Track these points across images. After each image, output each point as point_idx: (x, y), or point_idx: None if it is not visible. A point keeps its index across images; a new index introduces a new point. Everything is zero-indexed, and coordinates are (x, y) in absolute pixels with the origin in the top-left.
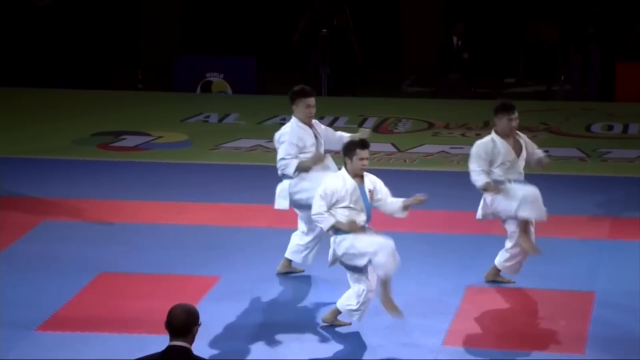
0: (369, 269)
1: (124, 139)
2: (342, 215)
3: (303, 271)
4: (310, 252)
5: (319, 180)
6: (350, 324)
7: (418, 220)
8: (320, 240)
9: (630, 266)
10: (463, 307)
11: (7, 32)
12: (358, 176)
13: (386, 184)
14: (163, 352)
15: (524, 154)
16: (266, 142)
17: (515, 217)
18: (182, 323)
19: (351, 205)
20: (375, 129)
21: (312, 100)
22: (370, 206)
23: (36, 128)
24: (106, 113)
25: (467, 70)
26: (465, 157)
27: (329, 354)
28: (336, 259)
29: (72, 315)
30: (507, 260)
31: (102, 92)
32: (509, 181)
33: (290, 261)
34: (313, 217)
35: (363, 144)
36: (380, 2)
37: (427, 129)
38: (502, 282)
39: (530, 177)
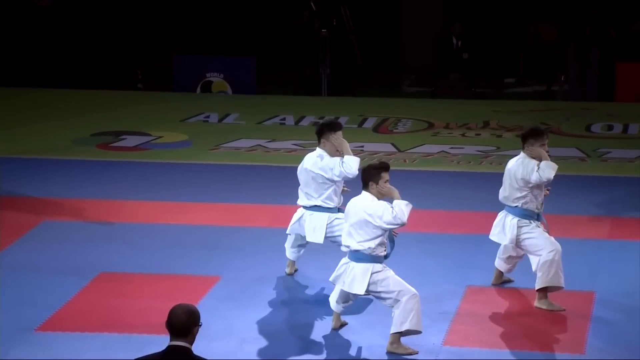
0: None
1: (124, 139)
2: (380, 245)
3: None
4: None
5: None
6: (421, 331)
7: (418, 220)
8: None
9: (630, 266)
10: (463, 307)
11: (7, 32)
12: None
13: None
14: (163, 352)
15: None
16: (266, 142)
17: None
18: (183, 323)
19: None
20: (375, 129)
21: (340, 134)
22: None
23: (36, 128)
24: (106, 113)
25: (467, 70)
26: (465, 157)
27: (329, 354)
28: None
29: (72, 315)
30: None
31: (102, 92)
32: (538, 210)
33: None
34: (394, 220)
35: (386, 166)
36: (380, 2)
37: (427, 129)
38: (502, 282)
39: None
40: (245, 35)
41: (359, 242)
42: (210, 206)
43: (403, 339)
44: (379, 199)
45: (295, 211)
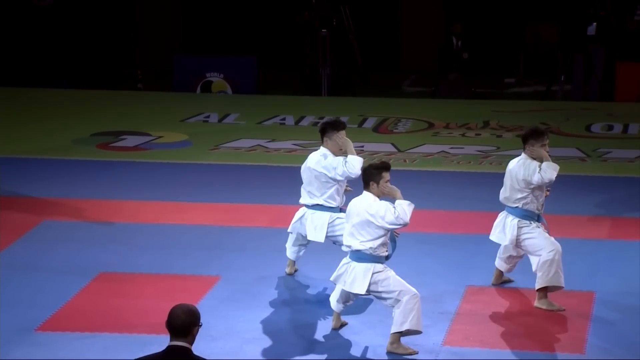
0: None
1: (124, 139)
2: (382, 246)
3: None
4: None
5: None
6: (421, 331)
7: (418, 220)
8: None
9: (630, 266)
10: (463, 307)
11: (7, 32)
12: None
13: None
14: (163, 352)
15: None
16: (266, 142)
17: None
18: (183, 323)
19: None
20: (375, 129)
21: (344, 134)
22: None
23: (36, 128)
24: (106, 113)
25: (467, 70)
26: (465, 157)
27: (329, 354)
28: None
29: (72, 315)
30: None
31: (102, 92)
32: (538, 211)
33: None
34: (396, 220)
35: (388, 166)
36: (380, 2)
37: (427, 129)
38: (502, 282)
39: None
40: (245, 35)
41: (361, 242)
42: (210, 206)
43: (403, 339)
44: (380, 198)
45: (296, 211)
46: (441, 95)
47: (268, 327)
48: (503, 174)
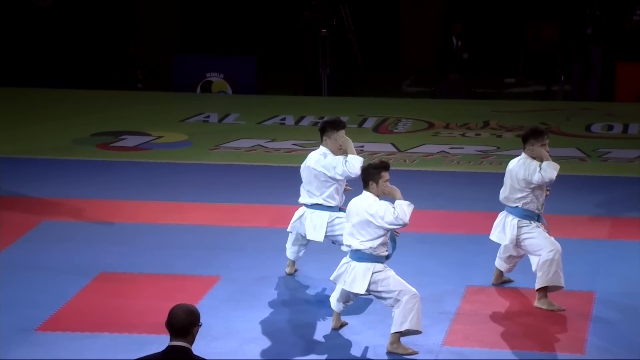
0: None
1: (124, 139)
2: (382, 245)
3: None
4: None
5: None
6: (421, 331)
7: (418, 220)
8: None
9: (630, 266)
10: (463, 307)
11: (7, 32)
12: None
13: None
14: (163, 352)
15: None
16: (266, 142)
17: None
18: (183, 323)
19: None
20: (375, 129)
21: (343, 133)
22: None
23: (36, 128)
24: (106, 113)
25: (467, 70)
26: (466, 157)
27: (329, 354)
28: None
29: (72, 315)
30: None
31: (102, 92)
32: (539, 211)
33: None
34: (395, 220)
35: (387, 166)
36: (380, 2)
37: (427, 129)
38: (502, 282)
39: None
40: (245, 35)
41: (361, 242)
42: (210, 206)
43: (403, 339)
44: (380, 198)
45: (296, 210)
46: (441, 95)
47: (268, 327)
48: (503, 174)
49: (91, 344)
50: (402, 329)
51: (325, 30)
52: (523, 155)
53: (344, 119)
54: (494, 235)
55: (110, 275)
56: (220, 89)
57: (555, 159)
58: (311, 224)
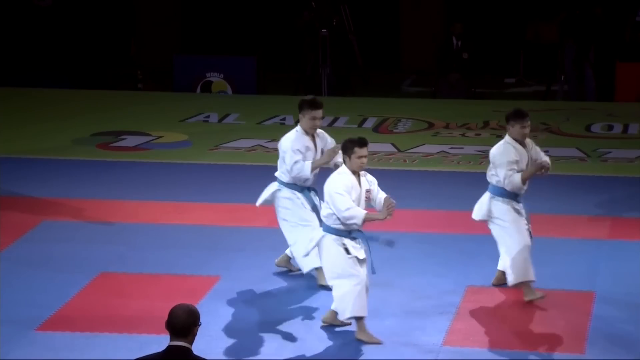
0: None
1: (124, 139)
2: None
3: (299, 270)
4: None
5: (298, 209)
6: (350, 323)
7: (418, 220)
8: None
9: (630, 266)
10: (463, 307)
11: (8, 32)
12: (356, 174)
13: (386, 184)
14: (163, 352)
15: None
16: (266, 142)
17: None
18: (183, 323)
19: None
20: (375, 129)
21: (319, 113)
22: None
23: (36, 128)
24: (106, 113)
25: (467, 70)
26: (466, 157)
27: (329, 354)
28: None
29: (72, 315)
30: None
31: (102, 92)
32: (518, 191)
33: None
34: (344, 213)
35: (362, 142)
36: (380, 2)
37: (427, 129)
38: (503, 282)
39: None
40: (245, 35)
41: (326, 213)
42: (210, 206)
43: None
44: (353, 172)
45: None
46: (441, 95)
47: (268, 327)
48: None
49: (91, 344)
50: (343, 316)
51: (325, 30)
52: (507, 138)
53: (344, 119)
54: (474, 212)
55: (110, 275)
56: (220, 89)
57: (555, 158)
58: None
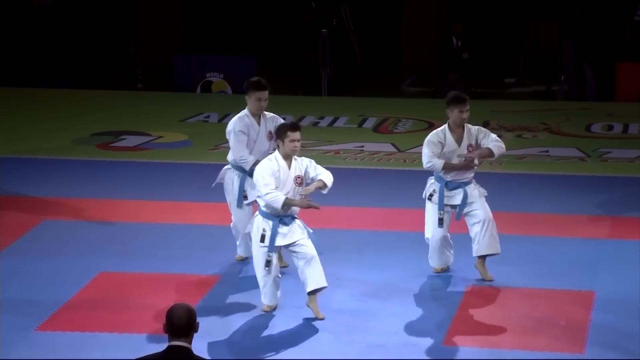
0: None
1: (124, 139)
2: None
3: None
4: None
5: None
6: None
7: (418, 220)
8: None
9: (630, 266)
10: (463, 307)
11: (7, 32)
12: (289, 158)
13: (386, 184)
14: (163, 352)
15: (463, 146)
16: None
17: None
18: (185, 323)
19: (280, 189)
20: (375, 129)
21: (264, 94)
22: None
23: (36, 128)
24: (106, 113)
25: (467, 70)
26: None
27: (329, 354)
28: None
29: (72, 315)
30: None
31: (102, 92)
32: (448, 179)
33: None
34: (265, 197)
35: (294, 126)
36: (380, 2)
37: (427, 129)
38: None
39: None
40: (245, 35)
41: (256, 198)
42: (210, 206)
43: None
44: (284, 158)
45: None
46: (441, 95)
47: (267, 327)
48: (502, 174)
49: (91, 344)
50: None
51: (325, 30)
52: (445, 126)
53: (344, 119)
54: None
55: (110, 275)
56: (220, 88)
57: (555, 158)
58: None
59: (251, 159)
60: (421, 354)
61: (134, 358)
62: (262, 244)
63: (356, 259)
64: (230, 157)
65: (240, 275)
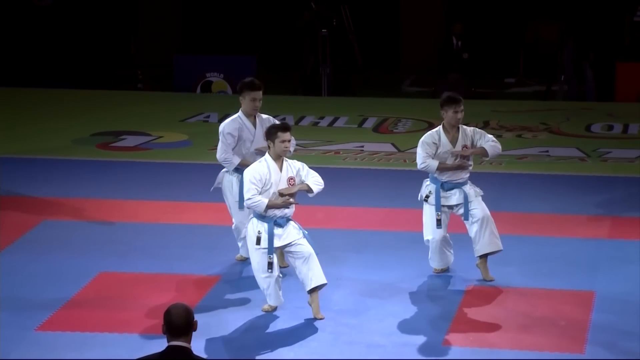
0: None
1: (124, 139)
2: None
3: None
4: None
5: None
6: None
7: (418, 220)
8: None
9: (630, 266)
10: (463, 307)
11: (7, 32)
12: (280, 160)
13: (386, 184)
14: (163, 352)
15: (457, 147)
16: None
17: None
18: (185, 323)
19: (272, 190)
20: (375, 129)
21: (258, 94)
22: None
23: (36, 128)
24: (106, 113)
25: (467, 70)
26: None
27: (329, 354)
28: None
29: (72, 315)
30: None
31: (102, 92)
32: (445, 179)
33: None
34: (247, 202)
35: (285, 127)
36: (380, 2)
37: (427, 129)
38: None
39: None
40: (245, 35)
41: None
42: (210, 206)
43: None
44: (275, 160)
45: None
46: (441, 95)
47: (267, 327)
48: (502, 174)
49: (91, 343)
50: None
51: (325, 30)
52: (440, 127)
53: (344, 118)
54: None
55: (110, 275)
56: (220, 89)
57: (555, 158)
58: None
59: (235, 161)
60: (421, 354)
61: (134, 358)
62: (257, 247)
63: (356, 259)
64: (217, 155)
65: (240, 275)
